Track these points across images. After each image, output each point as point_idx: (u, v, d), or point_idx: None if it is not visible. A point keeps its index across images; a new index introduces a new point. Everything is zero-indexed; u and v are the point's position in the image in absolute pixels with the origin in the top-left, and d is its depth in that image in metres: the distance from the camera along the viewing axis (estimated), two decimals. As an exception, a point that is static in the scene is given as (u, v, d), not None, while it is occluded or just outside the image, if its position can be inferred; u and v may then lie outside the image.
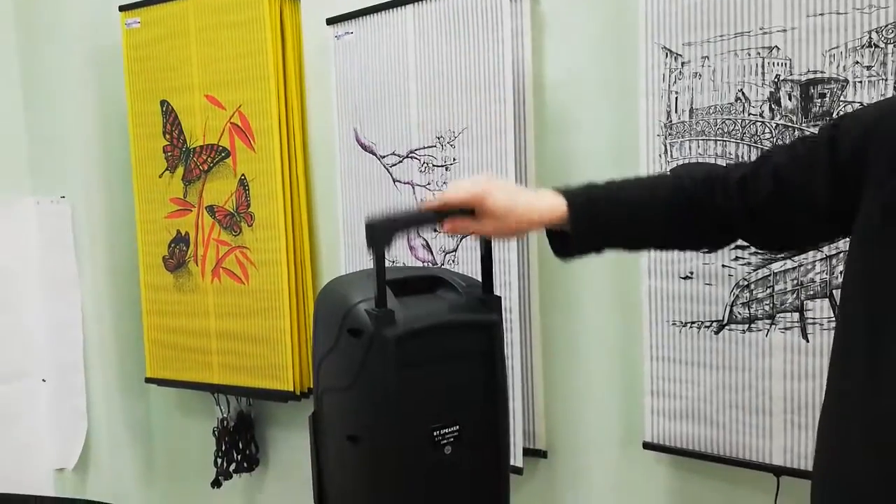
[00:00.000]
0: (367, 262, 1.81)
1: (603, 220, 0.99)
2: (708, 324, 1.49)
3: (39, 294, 2.37)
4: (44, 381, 2.39)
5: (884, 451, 0.71)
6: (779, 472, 1.44)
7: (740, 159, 1.43)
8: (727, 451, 1.48)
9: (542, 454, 1.72)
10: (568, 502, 1.75)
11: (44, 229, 2.37)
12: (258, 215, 2.02)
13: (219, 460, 2.23)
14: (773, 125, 1.39)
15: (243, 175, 2.04)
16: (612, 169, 1.60)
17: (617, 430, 1.67)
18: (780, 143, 1.38)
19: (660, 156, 1.51)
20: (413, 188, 1.78)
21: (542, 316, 1.71)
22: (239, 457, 2.22)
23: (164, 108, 2.18)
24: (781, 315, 1.42)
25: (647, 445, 1.57)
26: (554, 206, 0.99)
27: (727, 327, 1.47)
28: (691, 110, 1.46)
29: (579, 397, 1.71)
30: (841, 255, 1.36)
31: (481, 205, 0.97)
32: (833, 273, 1.36)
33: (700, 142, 1.46)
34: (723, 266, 1.46)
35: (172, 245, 2.20)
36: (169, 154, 2.19)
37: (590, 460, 1.71)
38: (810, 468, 1.38)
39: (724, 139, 1.44)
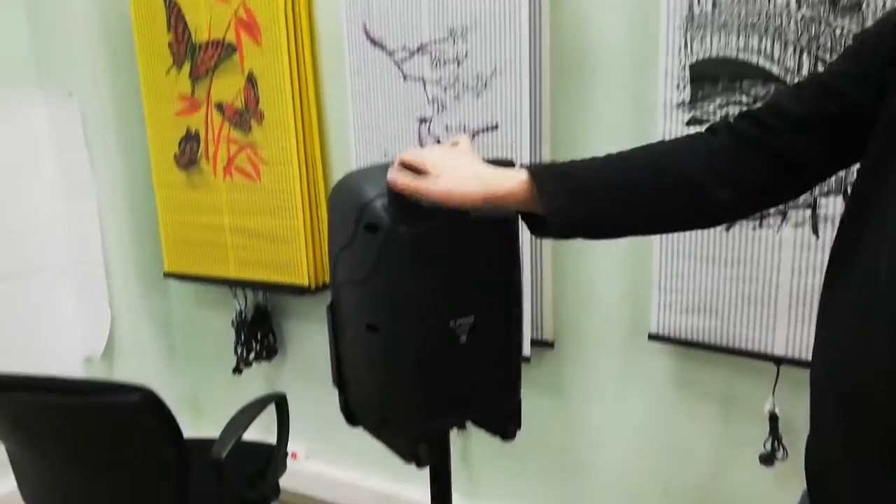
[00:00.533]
0: (378, 160, 1.82)
1: (576, 182, 0.88)
2: (718, 220, 1.50)
3: (54, 189, 2.39)
4: (65, 273, 2.44)
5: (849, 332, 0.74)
6: (779, 361, 1.49)
7: (764, 54, 1.39)
8: (730, 341, 1.53)
9: (549, 345, 1.78)
10: (573, 389, 1.84)
11: (54, 127, 2.35)
12: (267, 113, 2.00)
13: (239, 349, 2.33)
14: (799, 17, 1.35)
15: (251, 71, 2.00)
16: (630, 63, 1.57)
17: (623, 322, 1.72)
18: (805, 36, 1.34)
19: (680, 49, 1.46)
20: (424, 84, 1.74)
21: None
22: (258, 346, 2.32)
23: (167, 2, 2.11)
24: (794, 211, 1.42)
25: (652, 337, 1.62)
26: (512, 174, 0.90)
27: (738, 224, 1.48)
28: (714, 2, 1.41)
29: (587, 291, 1.75)
30: (857, 151, 1.35)
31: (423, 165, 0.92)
32: (849, 169, 1.36)
33: (722, 35, 1.42)
34: (736, 163, 1.46)
35: (183, 143, 2.19)
36: (175, 50, 2.13)
37: (595, 350, 1.78)
38: (810, 358, 1.45)
39: (748, 31, 1.40)
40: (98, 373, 2.54)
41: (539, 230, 0.93)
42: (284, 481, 1.90)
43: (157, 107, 2.21)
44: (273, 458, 1.75)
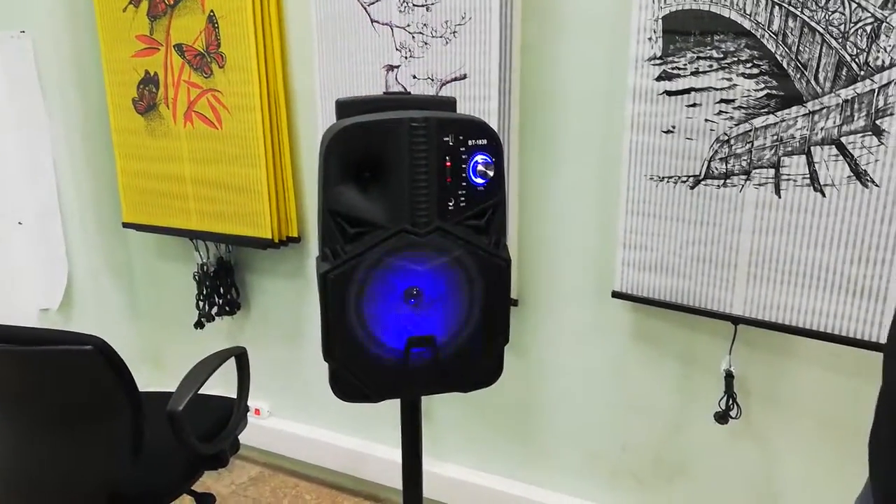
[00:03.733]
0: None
1: None
2: (685, 179, 1.50)
3: (7, 134, 2.29)
4: (20, 223, 2.37)
5: None
6: (737, 321, 1.51)
7: (735, 7, 1.37)
8: (691, 300, 1.54)
9: (513, 302, 1.78)
10: (535, 347, 1.84)
11: (6, 66, 2.25)
12: (230, 56, 1.92)
13: (200, 303, 2.29)
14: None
15: (212, 11, 1.92)
16: (602, 14, 1.54)
17: (587, 280, 1.72)
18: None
19: (653, 1, 1.44)
20: (392, 30, 1.69)
21: (519, 164, 1.70)
22: (220, 301, 2.28)
23: (122, -67, 2.00)
24: (757, 171, 1.43)
25: (615, 294, 1.63)
26: None
27: (703, 182, 1.48)
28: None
29: (553, 248, 1.74)
30: (823, 110, 1.35)
31: None
32: (814, 130, 1.36)
33: (694, -14, 1.39)
34: (706, 120, 1.45)
35: (141, 86, 2.11)
36: (131, -14, 2.04)
37: (559, 308, 1.78)
38: (767, 318, 1.48)
39: (720, -16, 1.37)
40: (54, 325, 2.49)
41: None
42: (247, 438, 1.90)
43: (114, 47, 2.11)
44: (233, 412, 1.73)
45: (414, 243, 1.00)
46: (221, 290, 2.28)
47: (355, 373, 1.07)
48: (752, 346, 1.57)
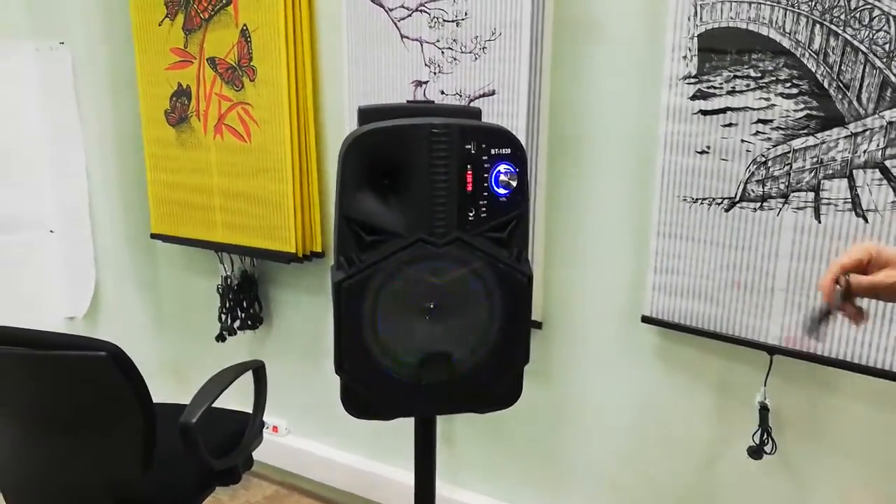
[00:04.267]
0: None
1: None
2: (719, 201, 1.45)
3: (43, 143, 2.33)
4: (52, 231, 2.40)
5: None
6: (773, 350, 1.45)
7: (775, 25, 1.33)
8: (725, 328, 1.48)
9: (536, 325, 1.73)
10: (560, 372, 1.78)
11: (45, 77, 2.30)
12: (260, 70, 1.93)
13: (223, 316, 2.28)
14: (815, -17, 1.28)
15: (245, 25, 1.94)
16: (636, 31, 1.51)
17: (616, 304, 1.67)
18: (819, 8, 1.27)
19: (689, 18, 1.40)
20: (422, 45, 1.68)
21: (547, 182, 1.66)
22: (243, 314, 2.27)
23: (160, -51, 2.04)
24: (796, 194, 1.37)
25: (645, 319, 1.57)
26: None
27: (739, 205, 1.43)
28: (726, -35, 1.34)
29: (580, 269, 1.69)
30: (867, 132, 1.29)
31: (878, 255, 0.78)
32: (856, 152, 1.30)
33: (733, 4, 1.35)
34: (742, 141, 1.40)
35: (174, 98, 2.13)
36: (169, 0, 2.07)
37: (585, 332, 1.72)
38: (806, 349, 1.41)
39: (759, 1, 1.33)
40: (80, 333, 2.50)
41: None
42: (264, 455, 1.86)
43: (150, 59, 2.15)
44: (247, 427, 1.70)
45: (432, 254, 0.96)
46: (244, 303, 2.27)
47: (367, 388, 1.03)
48: (790, 378, 1.49)
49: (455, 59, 1.63)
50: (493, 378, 1.06)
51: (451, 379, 1.03)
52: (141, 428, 1.38)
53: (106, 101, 2.30)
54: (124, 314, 2.48)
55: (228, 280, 2.25)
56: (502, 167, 0.98)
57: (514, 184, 0.99)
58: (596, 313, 1.70)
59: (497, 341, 1.03)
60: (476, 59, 1.60)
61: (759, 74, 1.37)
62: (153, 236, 2.31)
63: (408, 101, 1.02)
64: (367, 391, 1.04)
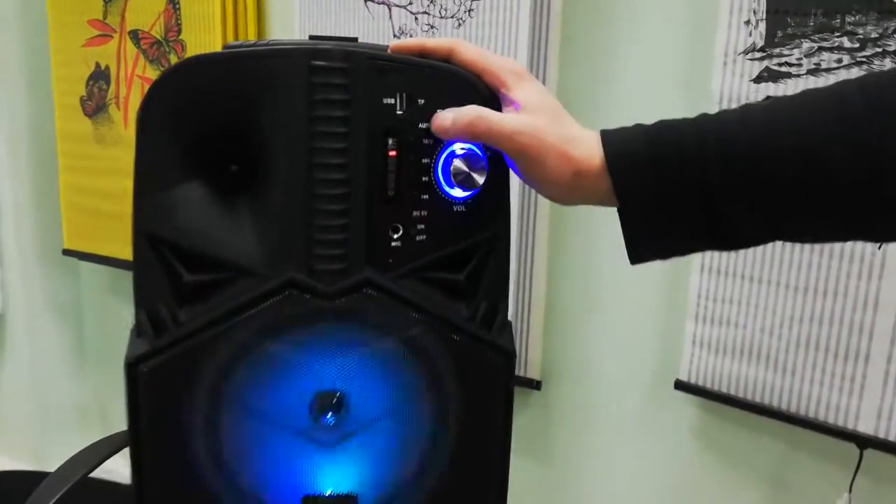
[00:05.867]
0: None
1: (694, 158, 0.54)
2: (790, 225, 1.08)
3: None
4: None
5: None
6: (864, 442, 1.09)
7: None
8: (793, 405, 1.14)
9: (535, 384, 1.41)
10: (564, 447, 1.45)
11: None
12: (191, 44, 1.59)
13: (149, 354, 1.90)
14: None
15: (175, -11, 1.58)
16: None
17: (641, 362, 1.34)
18: None
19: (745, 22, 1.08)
20: (389, 9, 1.34)
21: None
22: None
23: None
24: (909, 218, 0.99)
25: (680, 385, 1.24)
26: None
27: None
28: None
29: (594, 313, 1.36)
30: None
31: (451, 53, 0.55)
32: None
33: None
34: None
35: (91, 82, 1.78)
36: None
37: (598, 397, 1.40)
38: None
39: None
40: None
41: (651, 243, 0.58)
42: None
43: (65, 34, 1.81)
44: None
45: (315, 311, 0.50)
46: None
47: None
48: (886, 481, 1.13)
49: (432, 26, 1.29)
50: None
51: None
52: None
53: (18, 86, 1.96)
54: (37, 349, 2.15)
55: (156, 309, 1.87)
56: (458, 147, 0.55)
57: (481, 180, 0.55)
58: (613, 373, 1.37)
59: (450, 470, 0.56)
60: (459, 25, 1.27)
61: (857, 45, 1.02)
62: (66, 252, 1.95)
63: (310, 37, 0.56)
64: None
